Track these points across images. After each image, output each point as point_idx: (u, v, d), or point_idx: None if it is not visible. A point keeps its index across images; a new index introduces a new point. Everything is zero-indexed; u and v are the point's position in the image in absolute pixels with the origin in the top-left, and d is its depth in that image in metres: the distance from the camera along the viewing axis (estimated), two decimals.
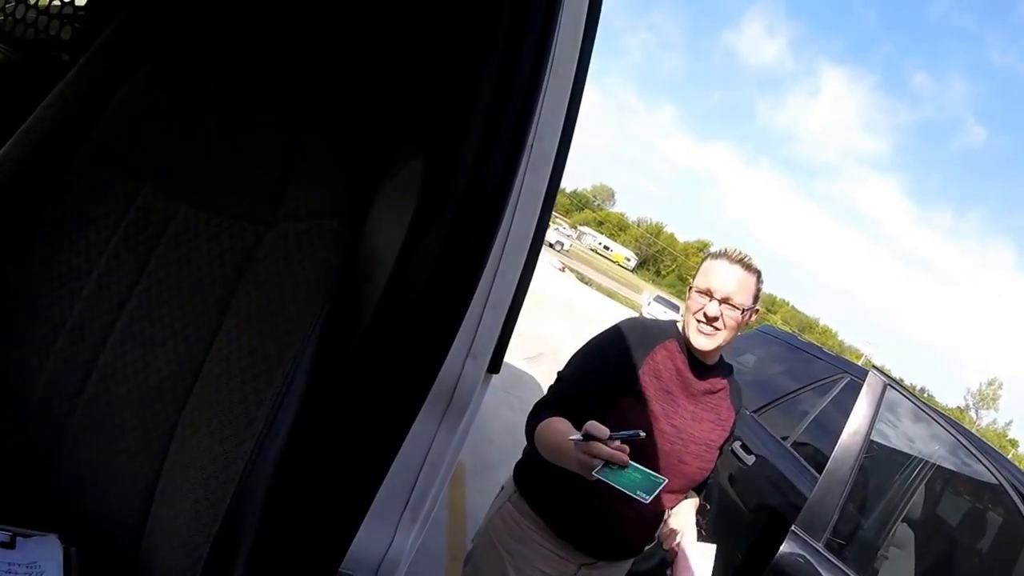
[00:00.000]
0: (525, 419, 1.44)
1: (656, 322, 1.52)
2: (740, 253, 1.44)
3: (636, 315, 1.60)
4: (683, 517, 1.49)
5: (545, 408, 1.41)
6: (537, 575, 1.45)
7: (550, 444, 1.31)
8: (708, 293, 1.41)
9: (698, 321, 1.42)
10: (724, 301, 1.39)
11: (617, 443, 1.11)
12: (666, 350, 1.45)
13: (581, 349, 1.49)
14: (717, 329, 1.40)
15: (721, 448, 1.52)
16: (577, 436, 1.13)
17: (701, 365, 1.47)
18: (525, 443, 1.47)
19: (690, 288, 1.47)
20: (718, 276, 1.41)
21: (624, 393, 1.40)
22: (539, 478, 1.45)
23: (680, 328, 1.49)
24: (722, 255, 1.45)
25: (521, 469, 1.54)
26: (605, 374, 1.41)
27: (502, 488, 1.59)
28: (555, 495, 1.43)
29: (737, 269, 1.41)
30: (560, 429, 1.30)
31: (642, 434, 1.13)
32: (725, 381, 1.53)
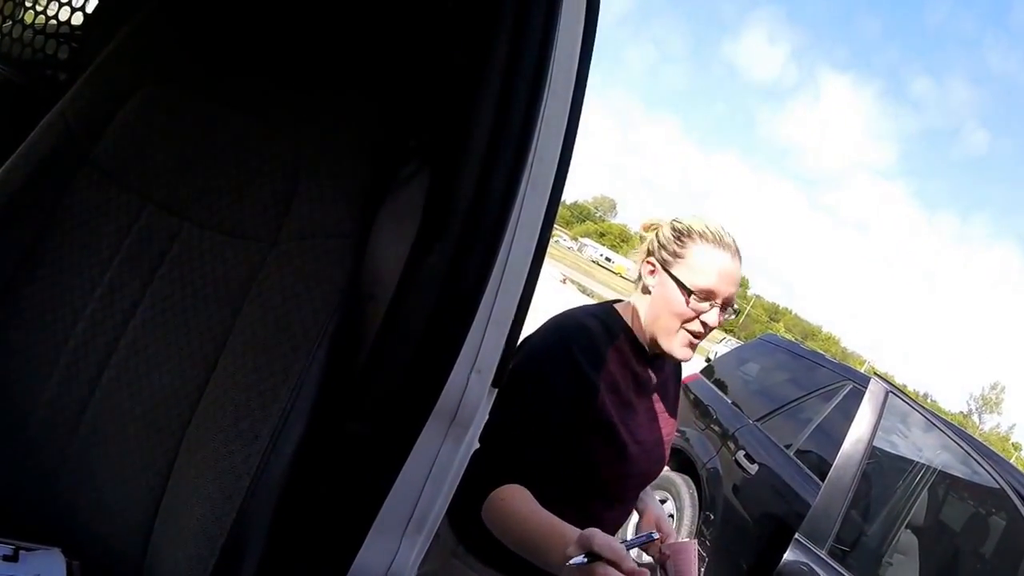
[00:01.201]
0: None
1: (593, 317, 1.19)
2: (733, 239, 1.15)
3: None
4: (655, 513, 1.28)
5: (492, 468, 1.06)
6: None
7: (516, 531, 1.02)
8: (711, 296, 1.10)
9: (689, 332, 1.13)
10: (726, 305, 1.12)
11: (632, 563, 0.84)
12: (618, 353, 1.16)
13: (519, 378, 1.07)
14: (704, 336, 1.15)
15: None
16: (580, 559, 0.86)
17: (651, 356, 1.22)
18: None
19: (679, 284, 1.12)
20: (723, 274, 1.11)
21: (583, 429, 1.12)
22: (482, 523, 1.08)
23: (625, 317, 1.21)
24: (719, 242, 1.13)
25: (458, 512, 1.12)
26: (556, 411, 1.09)
27: (437, 535, 1.22)
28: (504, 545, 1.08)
29: (737, 263, 1.13)
30: (525, 510, 1.01)
31: (656, 535, 0.94)
32: (669, 363, 1.29)
